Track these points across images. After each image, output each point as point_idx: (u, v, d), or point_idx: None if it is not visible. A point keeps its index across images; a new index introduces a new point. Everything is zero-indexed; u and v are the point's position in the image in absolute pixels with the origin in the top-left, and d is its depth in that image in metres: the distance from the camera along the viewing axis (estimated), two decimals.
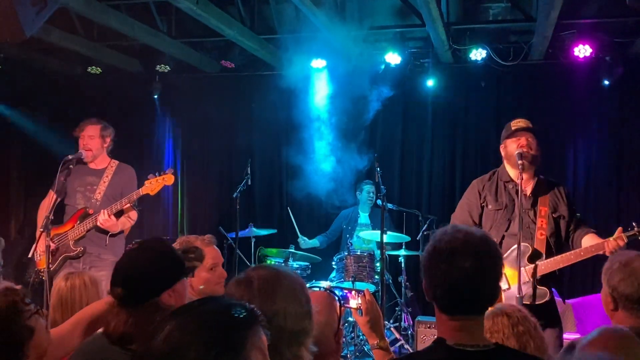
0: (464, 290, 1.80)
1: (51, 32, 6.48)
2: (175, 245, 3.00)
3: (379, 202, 5.73)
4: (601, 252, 3.62)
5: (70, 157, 4.76)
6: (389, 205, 6.43)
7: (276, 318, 1.67)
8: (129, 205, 4.84)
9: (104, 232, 4.85)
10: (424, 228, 6.71)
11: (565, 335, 5.20)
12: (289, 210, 7.12)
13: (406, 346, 6.04)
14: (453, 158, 7.66)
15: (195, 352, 1.13)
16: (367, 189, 7.04)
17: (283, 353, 1.66)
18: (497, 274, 1.86)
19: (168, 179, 4.71)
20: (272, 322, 1.65)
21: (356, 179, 7.37)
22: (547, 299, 3.73)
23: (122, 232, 5.01)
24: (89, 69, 7.85)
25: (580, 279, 6.97)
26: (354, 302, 2.42)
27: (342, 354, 5.79)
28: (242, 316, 1.22)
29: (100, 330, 2.22)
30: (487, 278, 1.83)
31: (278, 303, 1.70)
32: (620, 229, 3.61)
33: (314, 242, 7.16)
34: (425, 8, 5.52)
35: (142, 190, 4.74)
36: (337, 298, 2.09)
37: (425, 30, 6.41)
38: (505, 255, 3.84)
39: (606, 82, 6.71)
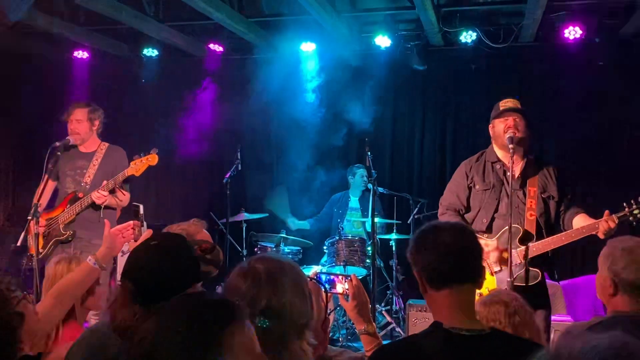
0: (449, 258, 1.93)
1: (37, 17, 6.39)
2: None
3: (370, 186, 5.72)
4: (593, 233, 3.61)
5: (57, 143, 4.74)
6: (380, 189, 6.43)
7: (284, 310, 1.67)
8: (115, 186, 4.80)
9: (94, 216, 4.82)
10: (414, 212, 6.72)
11: (556, 318, 5.27)
12: (283, 189, 7.04)
13: (397, 329, 6.08)
14: (444, 141, 7.64)
15: (176, 353, 1.13)
16: (361, 172, 7.00)
17: (290, 345, 1.66)
18: (478, 251, 2.00)
19: (152, 159, 4.69)
20: (281, 314, 1.66)
21: (347, 163, 7.35)
22: (538, 280, 3.72)
23: (114, 210, 4.97)
24: (76, 54, 7.77)
25: (569, 261, 7.00)
26: (340, 287, 2.40)
27: (334, 337, 5.82)
28: (220, 314, 1.21)
29: (97, 318, 2.16)
30: (469, 251, 1.97)
31: (286, 295, 1.69)
32: (607, 212, 3.61)
33: (304, 224, 7.13)
34: None
35: (128, 172, 4.72)
36: (323, 287, 2.08)
37: (415, 13, 6.37)
38: (495, 237, 3.85)
39: (600, 63, 6.70)
